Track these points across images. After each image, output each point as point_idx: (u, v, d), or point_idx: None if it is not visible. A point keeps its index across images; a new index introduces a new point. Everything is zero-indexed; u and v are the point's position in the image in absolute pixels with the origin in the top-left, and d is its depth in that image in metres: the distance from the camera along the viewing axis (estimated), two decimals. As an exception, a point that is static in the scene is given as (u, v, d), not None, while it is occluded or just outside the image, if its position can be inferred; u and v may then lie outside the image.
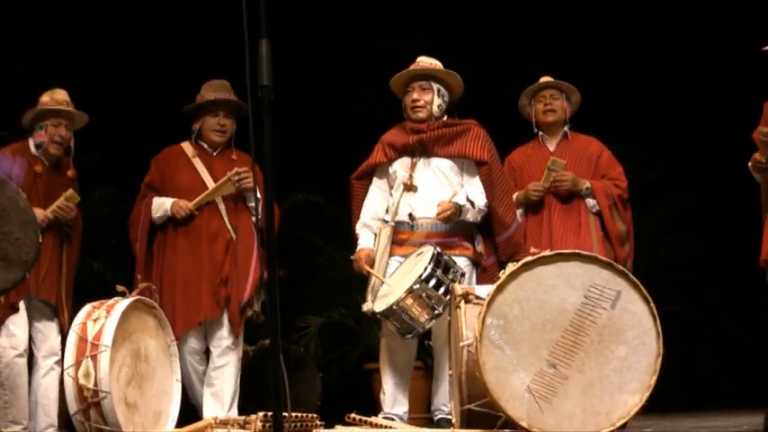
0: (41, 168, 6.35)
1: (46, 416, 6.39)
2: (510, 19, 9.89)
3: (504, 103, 6.82)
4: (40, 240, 5.52)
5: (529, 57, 9.41)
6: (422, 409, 6.52)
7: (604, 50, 9.83)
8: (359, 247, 6.26)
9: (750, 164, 6.27)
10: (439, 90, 6.25)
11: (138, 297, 5.78)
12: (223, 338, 6.39)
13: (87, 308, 5.65)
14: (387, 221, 6.23)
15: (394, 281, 5.94)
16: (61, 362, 6.32)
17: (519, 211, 6.38)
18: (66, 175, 6.51)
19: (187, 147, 6.59)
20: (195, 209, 6.37)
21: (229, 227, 6.42)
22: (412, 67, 6.30)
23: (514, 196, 6.37)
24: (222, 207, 6.44)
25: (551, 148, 6.50)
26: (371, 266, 6.13)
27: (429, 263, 5.63)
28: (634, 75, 9.75)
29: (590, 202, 6.31)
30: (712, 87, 9.18)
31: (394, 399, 6.15)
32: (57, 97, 6.50)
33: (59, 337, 6.44)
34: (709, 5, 9.27)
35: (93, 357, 5.36)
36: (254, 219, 6.39)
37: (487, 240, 6.26)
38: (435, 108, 6.23)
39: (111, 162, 7.19)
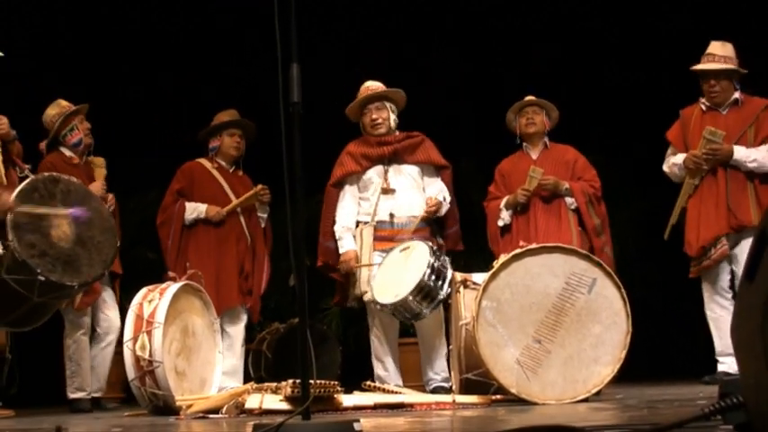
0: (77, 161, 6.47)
1: (98, 381, 6.53)
2: (510, 19, 9.26)
3: (506, 103, 6.69)
4: (118, 244, 5.68)
5: (529, 57, 9.06)
6: (418, 379, 6.51)
7: (604, 52, 9.18)
8: (344, 250, 6.22)
9: (678, 161, 6.18)
10: (391, 107, 6.31)
11: (187, 282, 5.80)
12: (239, 321, 6.62)
13: (144, 291, 5.68)
14: (366, 222, 6.21)
15: (388, 272, 5.90)
16: (120, 336, 6.39)
17: (509, 212, 6.38)
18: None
19: (206, 162, 6.75)
20: (226, 214, 6.57)
21: (247, 233, 6.67)
22: (363, 93, 6.30)
23: (505, 199, 6.39)
24: (242, 217, 6.67)
25: (534, 156, 6.49)
26: (358, 264, 6.14)
27: (430, 256, 5.62)
28: (634, 75, 9.04)
29: (569, 200, 6.31)
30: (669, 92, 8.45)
31: (396, 372, 6.17)
32: (63, 104, 6.54)
33: (119, 316, 6.46)
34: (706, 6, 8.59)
35: (149, 332, 5.38)
36: (262, 224, 6.78)
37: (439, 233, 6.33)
38: (392, 123, 6.29)
39: (165, 165, 7.15)
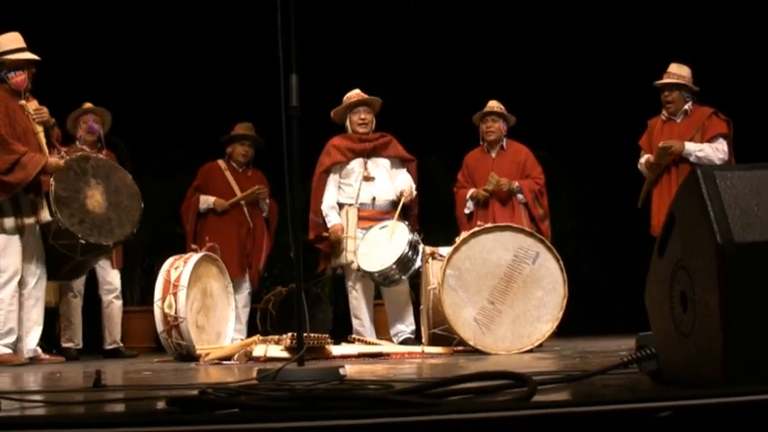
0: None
1: (110, 335, 6.52)
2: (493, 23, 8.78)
3: (472, 104, 6.64)
4: (142, 206, 5.67)
5: (494, 63, 8.77)
6: (387, 333, 6.51)
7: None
8: (332, 223, 6.19)
9: (643, 161, 6.29)
10: (373, 110, 6.34)
11: (206, 252, 5.78)
12: (243, 290, 6.80)
13: (171, 259, 5.66)
14: (351, 204, 6.20)
15: (370, 246, 5.88)
16: (120, 296, 6.60)
17: (473, 203, 6.42)
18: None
19: (221, 163, 6.98)
20: (230, 206, 6.79)
21: (249, 220, 6.87)
22: (352, 98, 6.28)
23: (471, 192, 6.41)
24: (246, 208, 6.87)
25: (493, 155, 6.51)
26: (344, 235, 6.13)
27: (410, 234, 5.66)
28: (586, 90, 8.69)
29: (519, 196, 6.35)
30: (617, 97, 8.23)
31: (370, 327, 6.18)
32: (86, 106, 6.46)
33: (118, 275, 6.54)
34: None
35: (175, 294, 5.36)
36: (264, 215, 6.99)
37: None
38: (373, 124, 6.32)
39: (188, 158, 7.22)
